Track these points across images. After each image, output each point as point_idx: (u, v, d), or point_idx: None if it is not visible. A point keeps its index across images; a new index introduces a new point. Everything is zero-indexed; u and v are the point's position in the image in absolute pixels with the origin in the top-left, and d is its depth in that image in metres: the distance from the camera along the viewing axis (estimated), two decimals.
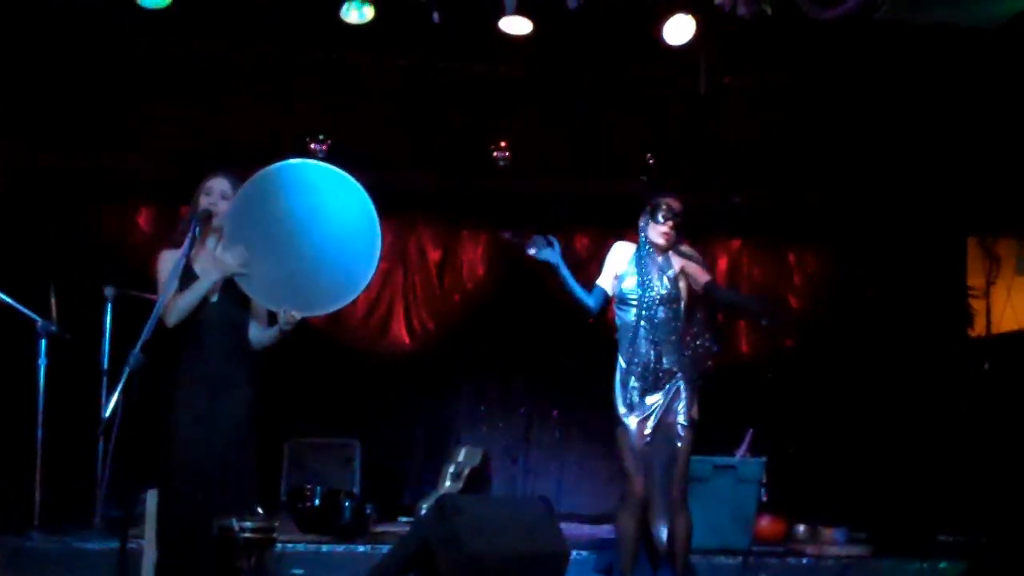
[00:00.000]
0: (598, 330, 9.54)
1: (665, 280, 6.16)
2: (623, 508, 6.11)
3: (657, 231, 6.17)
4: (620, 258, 6.27)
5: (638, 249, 6.22)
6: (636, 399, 6.10)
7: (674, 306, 6.17)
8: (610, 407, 6.19)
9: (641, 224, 6.25)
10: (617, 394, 6.15)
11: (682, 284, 6.21)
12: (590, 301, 6.21)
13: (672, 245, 6.20)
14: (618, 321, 6.25)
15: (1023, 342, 9.66)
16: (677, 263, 6.21)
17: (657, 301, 6.11)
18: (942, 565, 7.51)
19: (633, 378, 6.11)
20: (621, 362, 6.17)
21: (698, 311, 6.28)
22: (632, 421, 6.09)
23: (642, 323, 6.10)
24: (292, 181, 5.38)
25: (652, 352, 6.10)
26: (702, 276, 6.25)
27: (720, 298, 6.44)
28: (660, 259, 6.20)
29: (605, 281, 6.29)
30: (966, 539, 8.32)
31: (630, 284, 6.17)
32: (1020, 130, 8.85)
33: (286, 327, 5.28)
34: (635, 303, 6.13)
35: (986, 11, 7.58)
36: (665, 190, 6.34)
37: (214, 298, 5.30)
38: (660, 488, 6.05)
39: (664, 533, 6.06)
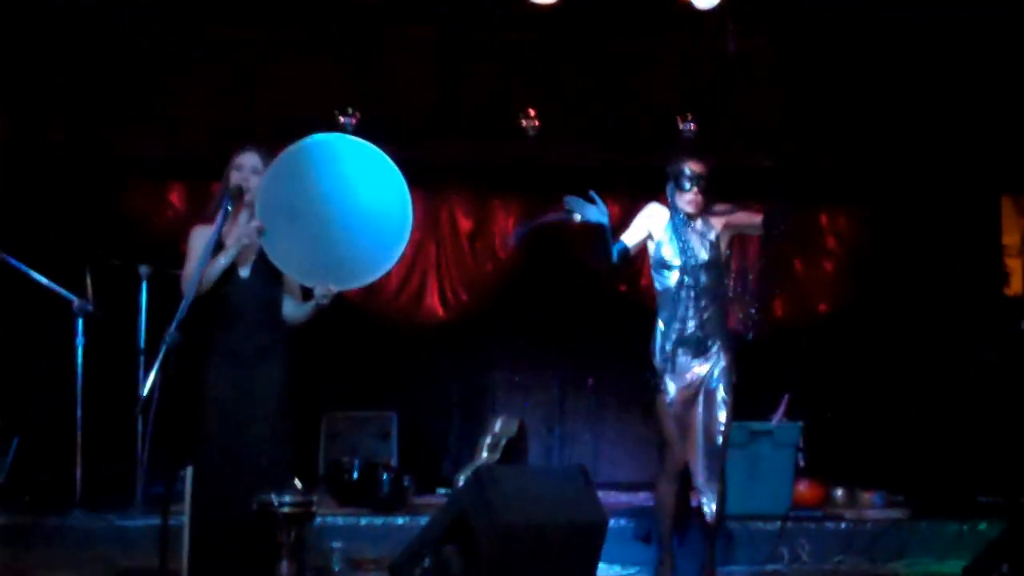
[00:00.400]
0: (631, 296, 9.61)
1: (708, 244, 6.11)
2: (663, 476, 6.11)
3: (685, 199, 6.10)
4: (656, 223, 6.17)
5: (672, 217, 6.16)
6: (678, 365, 6.06)
7: (717, 270, 6.14)
8: (646, 374, 6.17)
9: (668, 193, 6.18)
10: (657, 360, 6.11)
11: (723, 245, 6.17)
12: (613, 255, 6.13)
13: (703, 209, 6.14)
14: (658, 286, 6.19)
15: None
16: (718, 223, 6.15)
17: (701, 266, 6.06)
18: (981, 526, 7.48)
19: (674, 343, 6.07)
20: (660, 326, 6.13)
21: (742, 275, 6.25)
22: (672, 387, 6.06)
23: (684, 289, 6.05)
24: (321, 155, 5.39)
25: (695, 317, 6.05)
26: (754, 217, 6.21)
27: (777, 224, 6.27)
28: (699, 224, 6.14)
29: (631, 238, 6.20)
30: (1005, 500, 8.30)
31: (669, 251, 6.10)
32: None
33: (323, 301, 5.29)
34: (677, 268, 6.06)
35: None
36: (686, 152, 6.27)
37: (245, 273, 5.33)
38: (702, 456, 6.02)
39: (704, 501, 6.03)
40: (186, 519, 5.19)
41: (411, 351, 9.78)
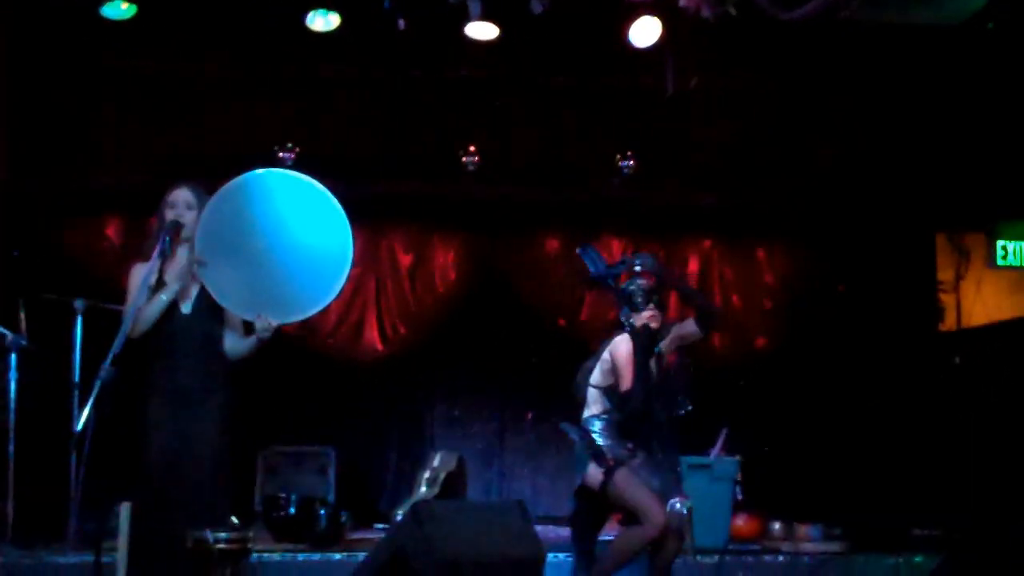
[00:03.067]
0: (570, 332, 9.65)
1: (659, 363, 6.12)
2: (642, 533, 5.86)
3: (644, 317, 6.01)
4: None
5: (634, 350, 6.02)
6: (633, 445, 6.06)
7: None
8: (587, 456, 6.05)
9: (622, 318, 6.08)
10: (613, 444, 6.02)
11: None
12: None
13: (662, 322, 6.08)
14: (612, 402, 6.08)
15: (993, 336, 9.72)
16: (667, 344, 6.15)
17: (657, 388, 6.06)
18: (917, 559, 7.54)
19: (627, 451, 6.03)
20: (613, 431, 6.06)
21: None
22: (631, 462, 6.00)
23: (642, 412, 5.99)
24: (260, 190, 5.37)
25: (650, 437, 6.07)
26: (692, 327, 6.18)
27: (710, 326, 6.28)
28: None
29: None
30: (941, 533, 8.37)
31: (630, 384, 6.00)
32: (986, 126, 8.93)
33: (264, 335, 5.26)
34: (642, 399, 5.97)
35: (949, 9, 7.65)
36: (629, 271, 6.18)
37: (186, 309, 5.29)
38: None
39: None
40: (120, 556, 5.14)
41: (350, 386, 9.75)
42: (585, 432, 6.10)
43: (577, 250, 6.33)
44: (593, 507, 6.19)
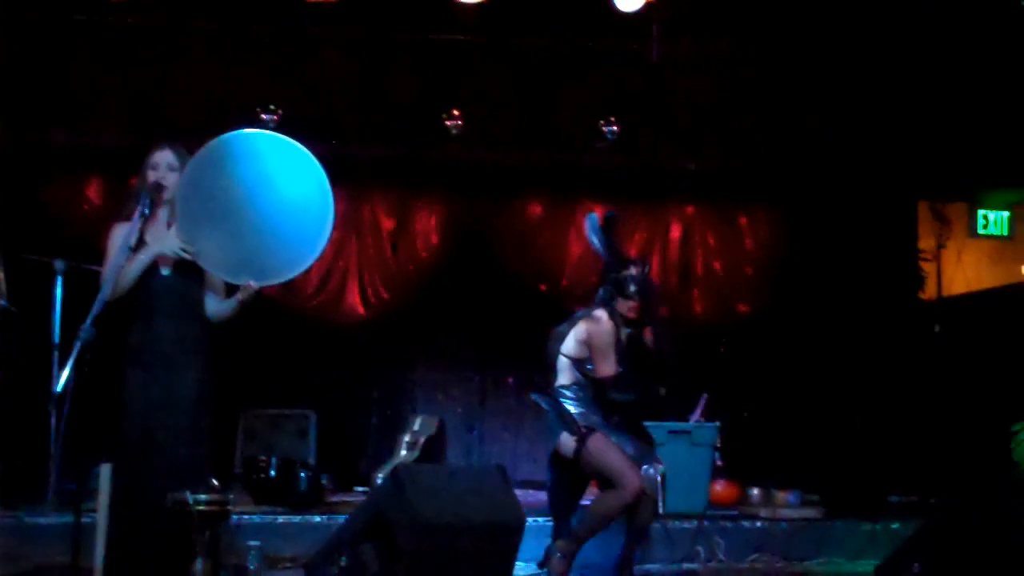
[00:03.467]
0: (551, 296, 9.66)
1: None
2: (618, 497, 5.98)
3: (627, 306, 6.14)
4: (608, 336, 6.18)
5: (616, 329, 6.16)
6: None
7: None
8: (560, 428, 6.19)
9: (604, 296, 6.20)
10: (585, 411, 6.15)
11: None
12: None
13: (640, 315, 6.18)
14: (591, 381, 6.19)
15: (973, 304, 9.76)
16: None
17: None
18: (894, 525, 7.59)
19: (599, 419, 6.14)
20: (585, 399, 6.17)
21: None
22: (604, 429, 6.11)
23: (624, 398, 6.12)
24: (241, 151, 5.33)
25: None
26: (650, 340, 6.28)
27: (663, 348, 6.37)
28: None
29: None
30: (918, 500, 8.44)
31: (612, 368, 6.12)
32: (968, 96, 8.93)
33: (246, 298, 5.25)
34: (625, 385, 6.10)
35: None
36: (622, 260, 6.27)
37: (166, 271, 5.26)
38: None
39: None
40: (100, 516, 5.14)
41: (331, 349, 9.74)
42: (556, 401, 6.18)
43: (588, 215, 6.37)
44: (569, 475, 6.27)
